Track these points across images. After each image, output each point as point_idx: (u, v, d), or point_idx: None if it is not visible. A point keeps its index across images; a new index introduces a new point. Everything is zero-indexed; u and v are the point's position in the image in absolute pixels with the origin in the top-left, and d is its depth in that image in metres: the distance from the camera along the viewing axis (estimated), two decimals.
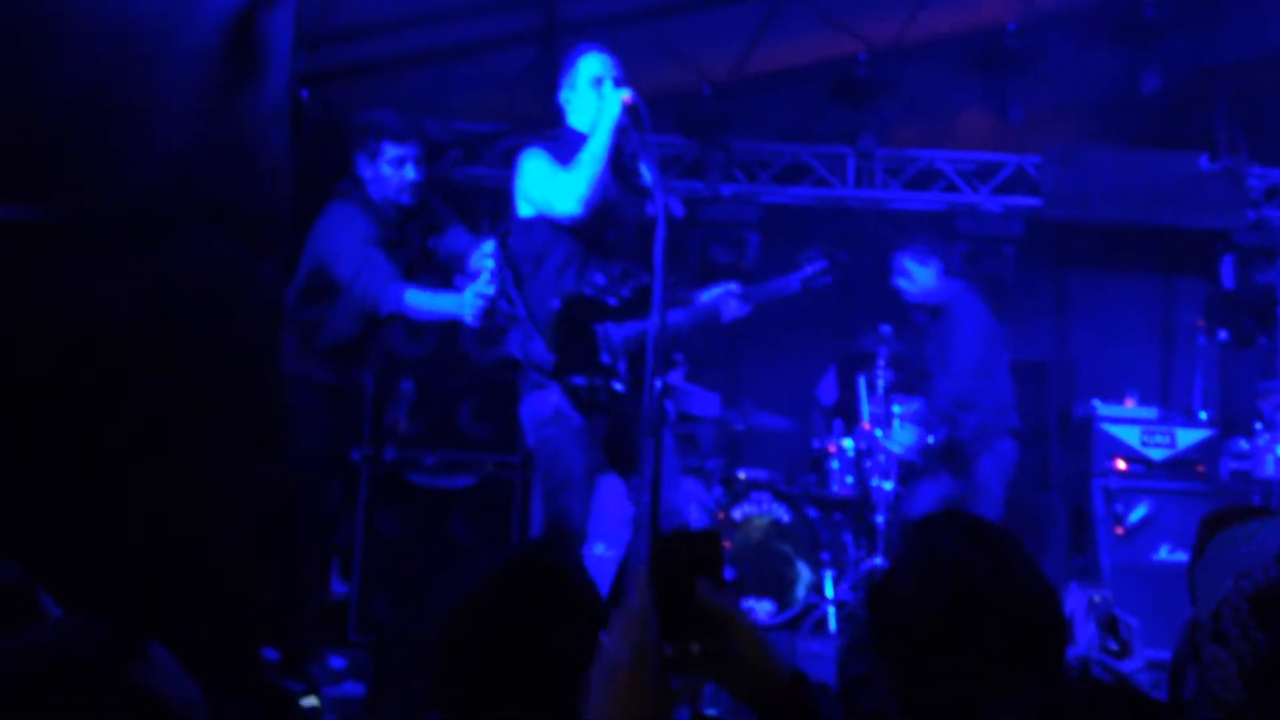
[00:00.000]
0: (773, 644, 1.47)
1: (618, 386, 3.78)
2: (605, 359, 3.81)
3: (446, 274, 6.21)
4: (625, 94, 3.69)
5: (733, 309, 3.99)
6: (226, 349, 2.65)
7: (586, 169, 3.73)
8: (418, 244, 4.57)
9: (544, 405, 3.85)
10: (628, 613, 1.35)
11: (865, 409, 6.05)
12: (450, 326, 5.26)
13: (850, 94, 7.11)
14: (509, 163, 6.97)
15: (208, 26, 2.47)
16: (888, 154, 7.38)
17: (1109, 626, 4.78)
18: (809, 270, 4.11)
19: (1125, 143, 7.41)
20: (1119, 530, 5.43)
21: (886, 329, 5.97)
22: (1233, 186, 6.93)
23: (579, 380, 3.76)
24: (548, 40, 6.35)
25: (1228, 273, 6.93)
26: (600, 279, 3.91)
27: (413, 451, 5.14)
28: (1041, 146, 7.31)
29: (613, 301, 3.87)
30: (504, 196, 6.90)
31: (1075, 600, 4.90)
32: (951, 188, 7.45)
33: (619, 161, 3.91)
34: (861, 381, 6.46)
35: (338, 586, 5.20)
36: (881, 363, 5.93)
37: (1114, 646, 4.56)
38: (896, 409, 5.87)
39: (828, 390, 6.65)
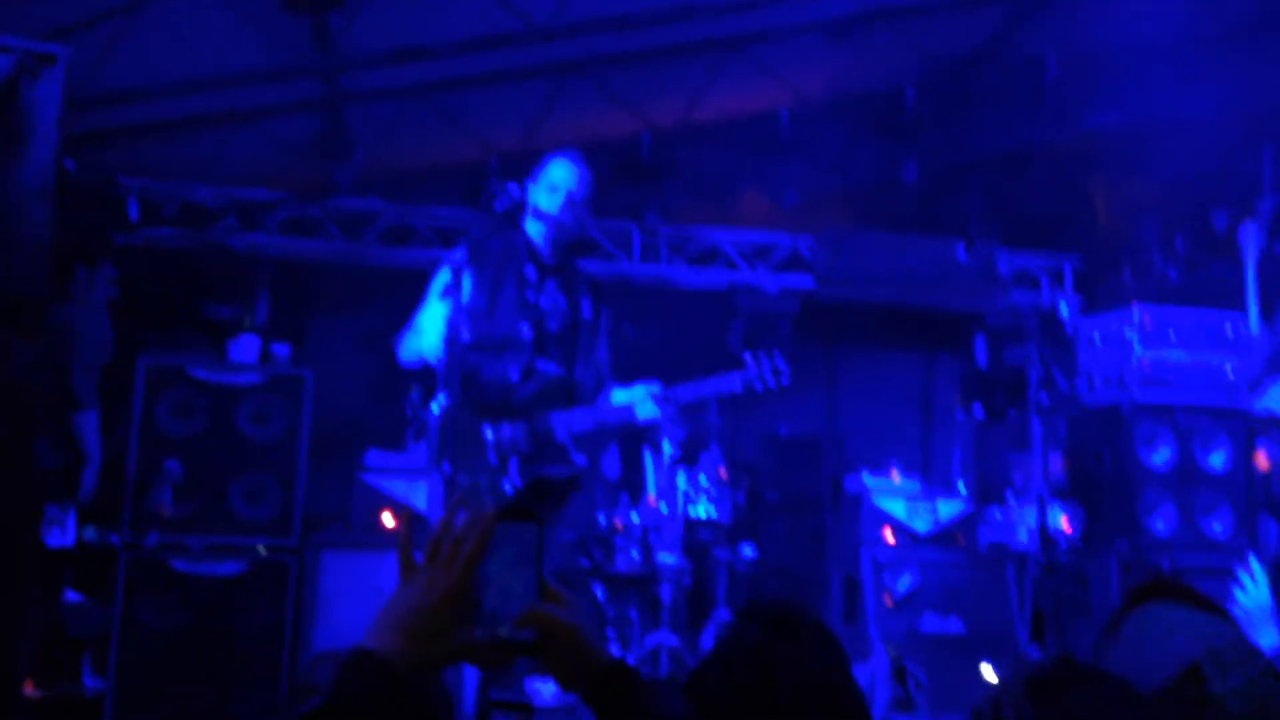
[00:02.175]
0: (593, 635, 1.45)
1: (506, 486, 3.77)
2: (493, 459, 3.79)
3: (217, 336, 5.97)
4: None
5: (649, 411, 3.95)
6: None
7: (416, 338, 3.78)
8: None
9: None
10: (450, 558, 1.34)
11: (651, 482, 6.13)
12: (223, 402, 5.03)
13: (635, 172, 7.29)
14: (290, 232, 6.86)
15: None
16: (671, 231, 7.60)
17: (899, 677, 4.98)
18: (758, 371, 4.04)
19: (889, 227, 7.90)
20: (888, 601, 5.67)
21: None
22: (986, 273, 7.49)
23: (463, 479, 3.73)
24: (331, 109, 6.23)
25: (981, 352, 7.45)
26: (515, 376, 3.90)
27: (178, 536, 4.84)
28: (814, 228, 7.70)
29: (514, 400, 3.87)
30: (282, 267, 6.77)
31: (879, 660, 5.09)
32: (731, 266, 7.72)
33: (557, 262, 4.04)
34: (647, 455, 6.55)
35: (90, 681, 4.82)
36: (665, 436, 6.03)
37: (901, 695, 4.73)
38: (681, 482, 5.97)
39: (611, 465, 6.70)
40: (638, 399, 3.97)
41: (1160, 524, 5.57)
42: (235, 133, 6.25)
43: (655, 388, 3.99)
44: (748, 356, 4.06)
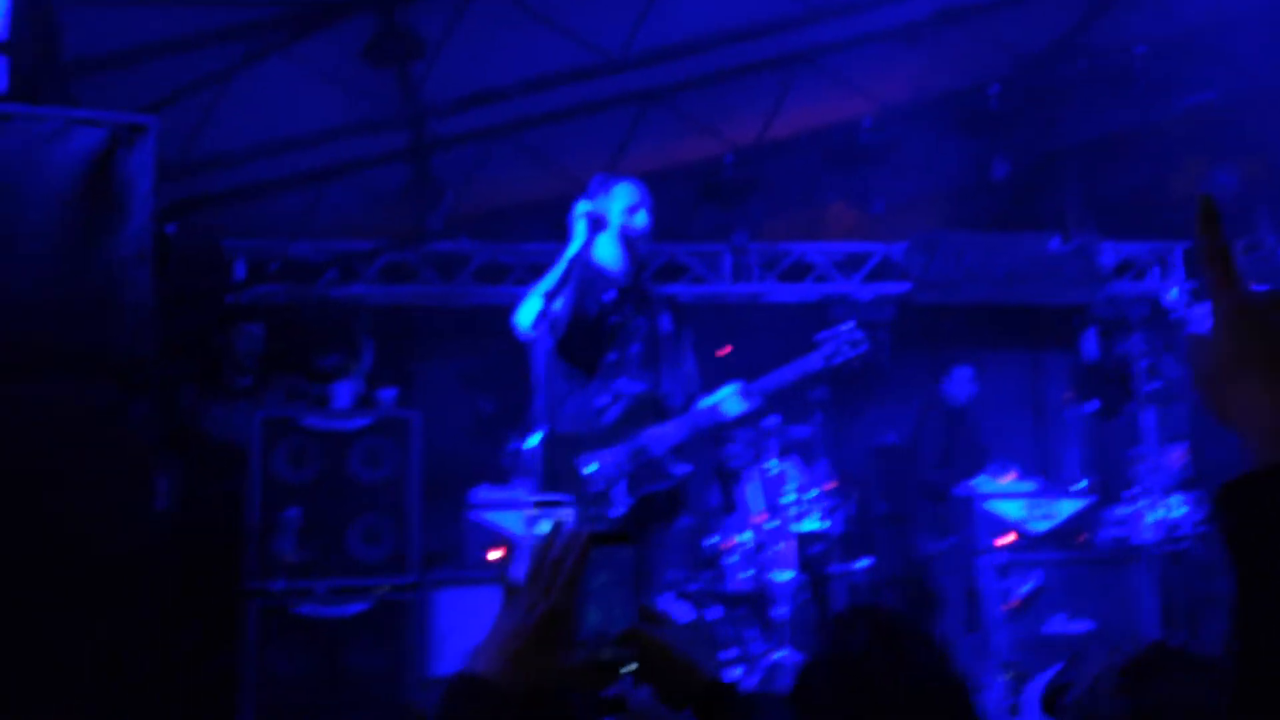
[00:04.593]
0: (691, 653, 1.47)
1: (613, 513, 3.80)
2: (595, 488, 3.84)
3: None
4: (585, 206, 3.78)
5: (737, 406, 3.99)
6: (92, 492, 2.56)
7: (538, 291, 3.83)
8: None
9: None
10: (550, 582, 1.35)
11: (758, 500, 6.08)
12: (335, 448, 5.17)
13: (720, 193, 7.31)
14: (388, 279, 7.05)
15: (65, 170, 2.42)
16: (761, 248, 7.59)
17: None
18: (833, 346, 4.06)
19: (983, 227, 7.76)
20: (1011, 605, 5.53)
21: (774, 419, 6.05)
22: (1085, 264, 7.30)
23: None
24: (419, 156, 6.40)
25: (1089, 345, 7.26)
26: (602, 400, 3.96)
27: (302, 581, 4.98)
28: (904, 234, 7.61)
29: (604, 424, 3.91)
30: (383, 314, 6.96)
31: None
32: (823, 278, 7.67)
33: (631, 283, 4.02)
34: (754, 473, 6.51)
35: None
36: (772, 453, 5.99)
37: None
38: (790, 497, 5.92)
39: (713, 490, 6.69)
40: (723, 397, 3.97)
41: None
42: (328, 187, 6.46)
43: (737, 385, 3.99)
44: (822, 334, 4.03)
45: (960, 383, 7.23)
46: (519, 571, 1.43)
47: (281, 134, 5.68)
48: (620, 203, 4.05)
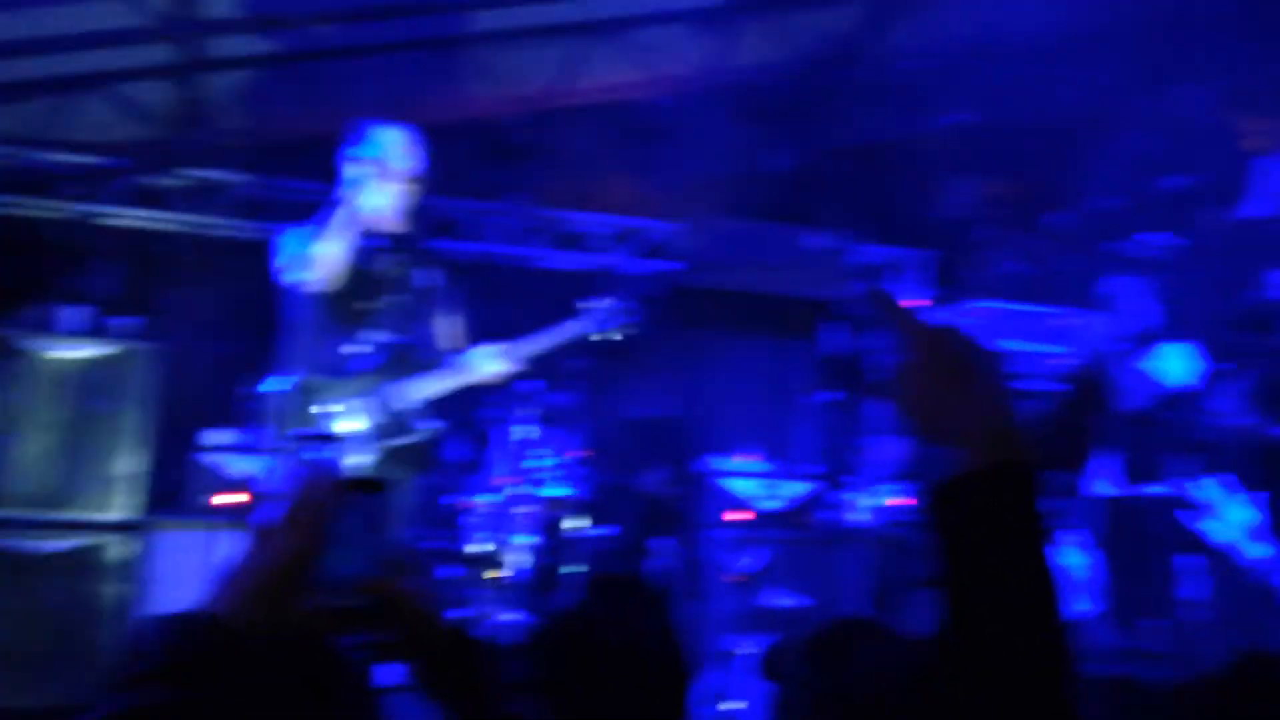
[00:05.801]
0: (432, 604, 1.44)
1: (356, 463, 3.76)
2: (336, 435, 3.78)
3: None
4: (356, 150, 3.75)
5: (493, 367, 3.97)
6: None
7: (304, 234, 3.78)
8: None
9: None
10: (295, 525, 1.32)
11: (501, 462, 6.15)
12: (62, 376, 4.92)
13: (503, 153, 7.30)
14: (137, 201, 6.69)
15: None
16: (538, 213, 7.62)
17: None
18: (599, 315, 4.08)
19: (752, 216, 8.05)
20: (733, 578, 5.83)
21: (534, 384, 6.11)
22: (834, 262, 7.73)
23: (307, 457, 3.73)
24: (187, 76, 6.10)
25: (829, 339, 7.68)
26: (356, 349, 3.88)
27: (7, 512, 4.72)
28: (680, 214, 7.82)
29: (354, 372, 3.84)
30: (128, 238, 6.61)
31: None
32: (597, 249, 7.79)
33: (395, 232, 3.98)
34: (496, 435, 6.56)
35: None
36: (518, 418, 6.06)
37: None
38: (533, 462, 6.02)
39: (458, 446, 6.71)
40: (479, 356, 4.01)
41: None
42: (83, 97, 6.08)
43: (496, 346, 4.04)
44: (590, 301, 4.12)
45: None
46: (265, 514, 1.40)
47: (35, 33, 5.31)
48: (389, 148, 4.01)
